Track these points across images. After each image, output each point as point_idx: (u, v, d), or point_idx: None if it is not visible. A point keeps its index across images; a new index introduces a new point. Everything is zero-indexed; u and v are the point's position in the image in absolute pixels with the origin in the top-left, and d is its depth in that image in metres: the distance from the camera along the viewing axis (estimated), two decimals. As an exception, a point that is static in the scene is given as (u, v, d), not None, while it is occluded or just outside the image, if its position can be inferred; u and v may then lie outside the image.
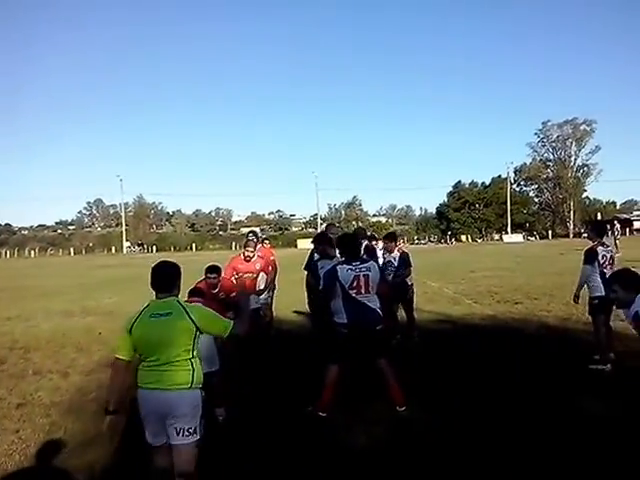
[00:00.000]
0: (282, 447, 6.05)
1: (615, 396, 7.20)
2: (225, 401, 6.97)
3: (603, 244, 8.99)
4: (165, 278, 4.79)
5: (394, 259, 10.70)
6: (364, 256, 8.16)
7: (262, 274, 11.01)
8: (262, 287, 10.80)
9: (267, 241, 13.79)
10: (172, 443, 4.55)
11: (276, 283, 12.36)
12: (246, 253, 10.44)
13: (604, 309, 8.44)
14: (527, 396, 7.34)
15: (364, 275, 6.94)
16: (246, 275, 10.34)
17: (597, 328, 8.82)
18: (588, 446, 5.67)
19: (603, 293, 8.13)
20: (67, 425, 6.99)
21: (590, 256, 8.79)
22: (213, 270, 8.44)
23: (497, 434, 6.13)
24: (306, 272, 9.06)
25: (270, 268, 11.49)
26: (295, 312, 14.41)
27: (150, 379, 4.56)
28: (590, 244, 9.03)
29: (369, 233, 13.56)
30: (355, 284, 6.87)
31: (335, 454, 5.83)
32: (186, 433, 4.51)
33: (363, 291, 6.91)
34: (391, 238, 11.14)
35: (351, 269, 6.93)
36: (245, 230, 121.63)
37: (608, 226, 16.52)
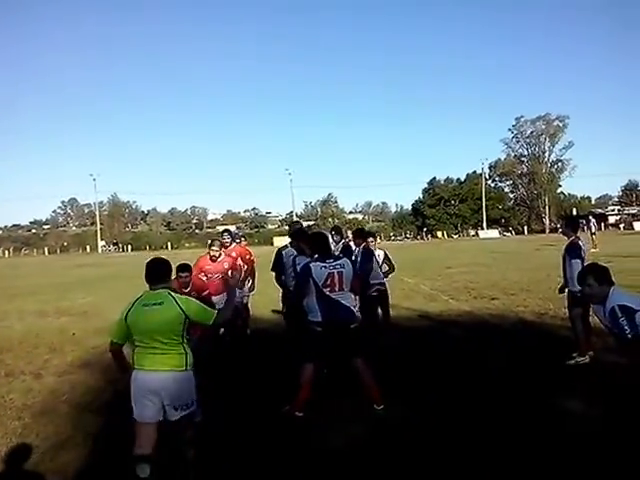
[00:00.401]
0: (258, 447, 5.96)
1: (593, 393, 7.17)
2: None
3: (579, 239, 8.98)
4: (158, 272, 5.29)
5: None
6: (340, 254, 8.07)
7: (241, 264, 11.17)
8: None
9: (243, 239, 13.57)
10: (172, 420, 5.01)
11: (255, 284, 12.41)
12: (211, 253, 10.30)
13: (585, 303, 8.37)
14: (505, 393, 7.31)
15: (338, 272, 6.88)
16: (215, 276, 10.20)
17: (574, 322, 8.79)
18: (566, 444, 5.65)
19: None
20: (39, 428, 6.83)
21: (576, 250, 8.75)
22: (184, 269, 8.46)
23: (475, 431, 6.08)
24: (274, 273, 8.97)
25: (246, 267, 11.48)
26: (272, 311, 14.29)
27: (146, 362, 4.99)
28: (566, 240, 9.01)
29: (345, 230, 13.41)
30: (329, 282, 6.81)
31: (312, 454, 5.75)
32: (184, 407, 5.01)
33: (337, 289, 6.85)
34: (357, 234, 10.99)
35: (325, 267, 6.87)
36: (221, 228, 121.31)
37: (584, 221, 16.60)
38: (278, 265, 8.91)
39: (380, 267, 10.38)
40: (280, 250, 8.98)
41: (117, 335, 5.17)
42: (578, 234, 9.12)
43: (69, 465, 5.75)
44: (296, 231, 8.87)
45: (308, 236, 7.94)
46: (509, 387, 7.52)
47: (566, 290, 9.02)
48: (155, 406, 4.95)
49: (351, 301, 7.08)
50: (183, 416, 5.03)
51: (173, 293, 5.27)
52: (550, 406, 6.77)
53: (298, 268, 7.81)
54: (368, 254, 10.00)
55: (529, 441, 5.74)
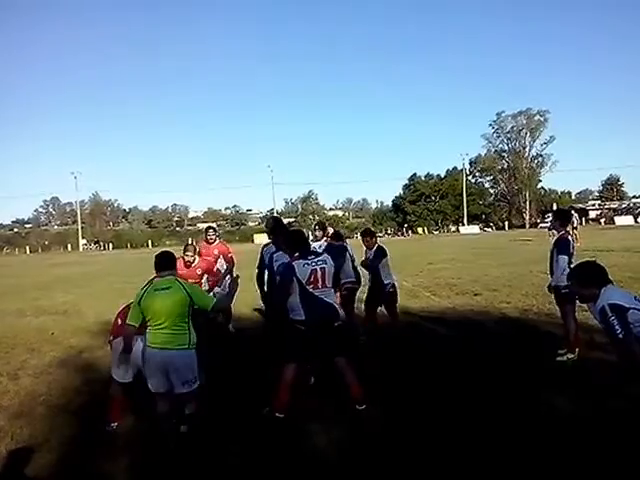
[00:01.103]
0: (238, 450, 5.86)
1: (582, 391, 7.06)
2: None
3: (569, 233, 8.88)
4: (166, 262, 6.25)
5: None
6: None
7: (222, 263, 11.43)
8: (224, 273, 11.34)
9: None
10: (177, 392, 5.91)
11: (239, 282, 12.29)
12: (186, 258, 10.15)
13: (573, 299, 8.26)
14: (491, 391, 7.21)
15: (321, 268, 6.76)
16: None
17: (566, 318, 8.66)
18: (555, 442, 5.59)
19: None
20: (14, 430, 6.67)
21: (565, 245, 8.52)
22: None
23: (459, 431, 5.99)
24: (257, 270, 8.75)
25: (227, 264, 11.64)
26: (253, 310, 14.15)
27: (157, 340, 5.84)
28: (549, 234, 8.94)
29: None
30: (312, 279, 6.68)
31: (293, 456, 5.64)
32: (188, 382, 5.91)
33: (320, 285, 6.72)
34: (321, 226, 10.96)
35: (307, 264, 6.74)
36: (202, 226, 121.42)
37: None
38: (261, 263, 8.68)
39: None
40: (263, 247, 8.79)
41: (133, 318, 5.99)
42: (568, 228, 9.02)
43: (44, 469, 5.60)
44: (274, 226, 8.62)
45: (287, 233, 7.82)
46: (496, 385, 7.42)
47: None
48: (164, 379, 5.88)
49: (334, 298, 6.96)
50: (188, 392, 5.95)
51: (179, 280, 6.19)
52: (539, 404, 6.66)
53: (275, 265, 7.68)
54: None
55: (517, 440, 5.66)
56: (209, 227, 12.74)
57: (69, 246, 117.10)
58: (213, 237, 11.84)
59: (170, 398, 6.01)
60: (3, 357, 10.92)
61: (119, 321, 6.56)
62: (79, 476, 5.47)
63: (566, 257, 8.36)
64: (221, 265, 11.69)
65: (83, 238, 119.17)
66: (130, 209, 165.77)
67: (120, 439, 6.29)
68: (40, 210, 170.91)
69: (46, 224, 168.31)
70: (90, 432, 6.45)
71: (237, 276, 8.45)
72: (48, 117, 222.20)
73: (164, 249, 6.89)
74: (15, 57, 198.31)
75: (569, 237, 8.74)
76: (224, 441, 6.08)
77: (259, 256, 8.61)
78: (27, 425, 6.87)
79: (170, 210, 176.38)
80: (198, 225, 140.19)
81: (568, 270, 7.90)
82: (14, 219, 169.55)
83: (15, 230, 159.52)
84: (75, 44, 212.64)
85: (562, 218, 9.20)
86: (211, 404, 6.94)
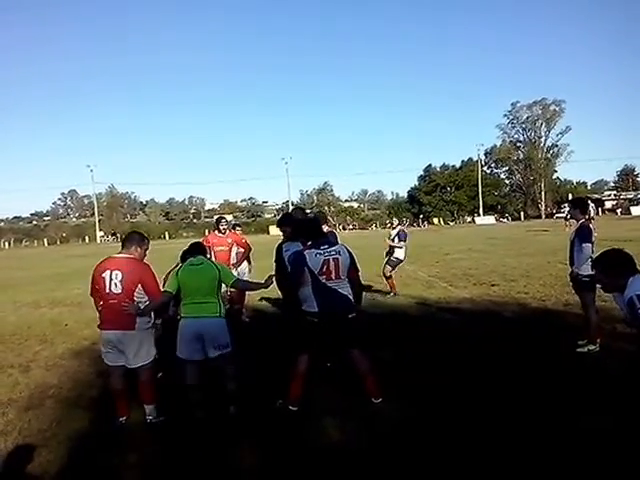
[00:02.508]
0: (251, 444, 5.72)
1: (604, 383, 6.81)
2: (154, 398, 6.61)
3: (590, 221, 8.65)
4: (197, 248, 7.08)
5: None
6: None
7: (237, 251, 12.00)
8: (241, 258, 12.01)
9: (238, 227, 13.61)
10: (212, 357, 6.47)
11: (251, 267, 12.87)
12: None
13: (594, 288, 8.04)
14: (510, 384, 7.02)
15: (334, 259, 6.52)
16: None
17: (587, 308, 8.45)
18: (577, 440, 5.39)
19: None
20: (23, 425, 6.55)
21: (587, 233, 8.32)
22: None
23: (477, 426, 5.82)
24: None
25: (242, 250, 12.17)
26: (264, 299, 14.06)
27: (192, 310, 6.50)
28: (566, 224, 8.73)
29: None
30: (325, 269, 6.45)
31: (306, 451, 5.48)
32: (222, 346, 6.49)
33: (333, 276, 6.49)
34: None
35: (320, 253, 6.50)
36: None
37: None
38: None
39: None
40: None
41: (170, 286, 6.67)
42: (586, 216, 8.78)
43: (50, 465, 5.47)
44: (280, 218, 8.50)
45: (299, 221, 7.66)
46: (516, 378, 7.23)
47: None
48: (198, 346, 6.45)
49: (349, 290, 6.71)
50: (222, 354, 6.49)
51: (210, 259, 7.40)
52: (560, 398, 6.45)
53: (286, 256, 7.50)
54: None
55: (538, 436, 5.47)
56: (220, 217, 12.94)
57: (87, 238, 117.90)
58: (225, 226, 12.00)
59: (199, 369, 6.61)
60: (16, 349, 10.90)
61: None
62: (86, 473, 5.33)
63: (590, 244, 8.17)
64: (235, 254, 12.01)
65: (100, 230, 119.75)
66: (147, 201, 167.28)
67: (130, 434, 6.17)
68: (58, 203, 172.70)
69: (64, 217, 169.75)
70: (99, 426, 6.35)
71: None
72: (65, 111, 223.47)
73: (194, 240, 7.81)
74: (32, 53, 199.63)
75: (590, 225, 8.52)
76: (236, 434, 5.95)
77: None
78: (35, 419, 6.76)
79: (187, 202, 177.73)
80: (215, 217, 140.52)
81: (590, 258, 7.73)
82: (33, 212, 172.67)
83: (34, 223, 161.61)
84: (88, 35, 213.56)
85: (581, 206, 8.91)
86: (224, 398, 6.81)
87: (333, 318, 6.48)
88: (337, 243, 6.96)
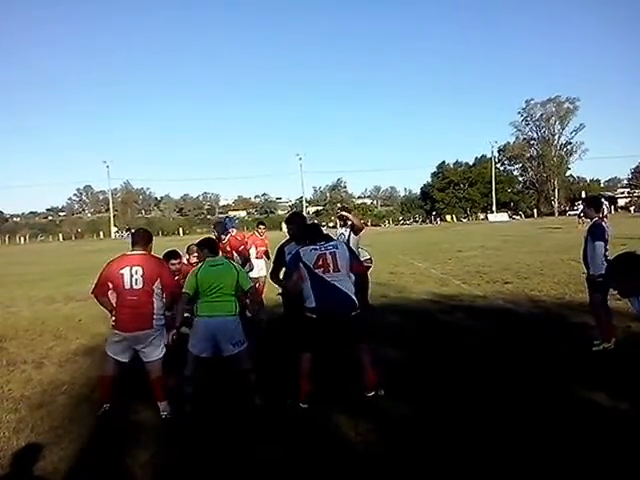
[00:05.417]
0: (263, 443, 5.68)
1: (619, 382, 6.69)
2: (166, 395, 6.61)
3: (603, 219, 8.59)
4: (213, 246, 7.23)
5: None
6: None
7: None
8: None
9: (262, 226, 13.93)
10: (228, 355, 6.68)
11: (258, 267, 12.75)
12: (192, 260, 9.81)
13: (605, 288, 8.00)
14: (523, 382, 6.96)
15: (330, 253, 6.65)
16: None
17: (595, 308, 8.43)
18: (593, 437, 5.32)
19: None
20: (35, 422, 6.54)
21: (599, 232, 8.27)
22: (172, 256, 8.66)
23: (492, 424, 5.75)
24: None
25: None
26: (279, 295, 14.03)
27: (208, 309, 6.67)
28: (578, 222, 8.67)
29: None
30: (320, 262, 6.58)
31: (318, 450, 5.45)
32: (237, 343, 6.68)
33: (331, 269, 6.58)
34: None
35: (315, 249, 6.69)
36: (232, 214, 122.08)
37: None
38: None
39: None
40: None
41: (189, 288, 6.75)
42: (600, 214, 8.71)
43: (62, 463, 5.45)
44: (289, 217, 8.42)
45: (300, 225, 7.76)
46: (530, 376, 7.17)
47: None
48: (211, 344, 6.64)
49: (349, 286, 6.74)
50: (239, 350, 6.67)
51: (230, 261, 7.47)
52: (576, 396, 6.41)
53: (288, 257, 7.53)
54: None
55: (553, 434, 5.41)
56: (217, 223, 12.59)
57: (101, 234, 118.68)
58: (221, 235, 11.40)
59: (200, 365, 6.83)
60: (29, 344, 10.92)
61: None
62: (97, 471, 5.30)
63: (602, 243, 8.13)
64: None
65: (115, 226, 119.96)
66: (162, 197, 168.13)
67: (143, 431, 6.15)
68: (74, 198, 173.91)
69: (79, 212, 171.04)
70: (111, 424, 6.32)
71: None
72: (81, 106, 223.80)
73: (207, 236, 8.05)
74: (45, 47, 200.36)
75: (603, 223, 8.46)
76: (248, 434, 5.92)
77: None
78: (48, 416, 6.75)
79: (201, 198, 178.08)
80: (229, 213, 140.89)
81: (603, 257, 7.69)
82: (48, 207, 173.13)
83: (49, 218, 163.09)
84: (105, 31, 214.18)
85: (595, 204, 8.83)
86: (234, 395, 6.88)
87: (332, 317, 6.52)
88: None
